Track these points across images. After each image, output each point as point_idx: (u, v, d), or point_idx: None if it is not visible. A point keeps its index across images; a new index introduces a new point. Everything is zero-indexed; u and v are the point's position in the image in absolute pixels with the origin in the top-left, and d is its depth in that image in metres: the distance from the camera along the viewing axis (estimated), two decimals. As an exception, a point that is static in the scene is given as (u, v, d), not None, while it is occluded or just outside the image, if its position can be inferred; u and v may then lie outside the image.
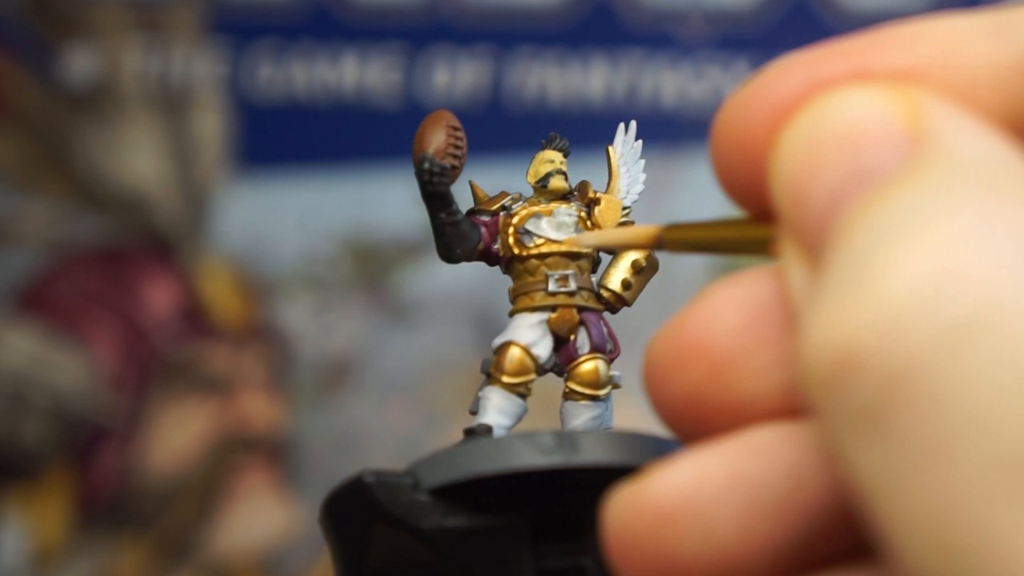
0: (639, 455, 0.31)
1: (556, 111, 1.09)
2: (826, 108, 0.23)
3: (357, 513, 0.32)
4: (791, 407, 0.24)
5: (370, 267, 1.10)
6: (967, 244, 0.21)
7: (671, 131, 1.05)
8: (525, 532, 0.32)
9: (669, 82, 1.10)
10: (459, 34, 1.12)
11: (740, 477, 0.23)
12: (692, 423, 0.26)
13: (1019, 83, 0.23)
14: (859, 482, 0.21)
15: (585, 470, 0.31)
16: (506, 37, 1.12)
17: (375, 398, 1.09)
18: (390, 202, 1.09)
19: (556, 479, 0.32)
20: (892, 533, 0.20)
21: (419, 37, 1.12)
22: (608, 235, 0.36)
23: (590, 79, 1.11)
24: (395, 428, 1.08)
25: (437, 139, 0.36)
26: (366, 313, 1.10)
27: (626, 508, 0.24)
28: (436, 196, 0.36)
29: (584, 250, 0.37)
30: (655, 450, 0.31)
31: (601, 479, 0.31)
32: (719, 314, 0.25)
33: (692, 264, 1.03)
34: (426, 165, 0.36)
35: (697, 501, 0.23)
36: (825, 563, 0.24)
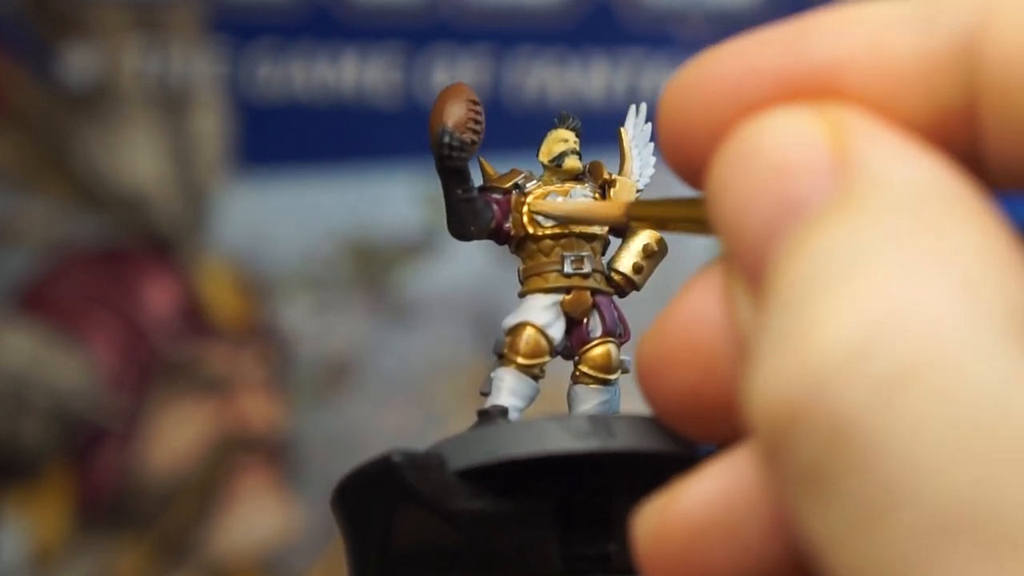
0: (672, 441, 0.30)
1: (556, 111, 1.08)
2: (752, 136, 0.23)
3: (383, 493, 0.31)
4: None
5: (370, 267, 1.10)
6: (896, 290, 0.20)
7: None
8: (551, 517, 0.32)
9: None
10: (459, 34, 1.12)
11: (764, 485, 0.23)
12: (693, 421, 0.25)
13: (945, 76, 0.23)
14: (808, 539, 0.20)
15: (613, 455, 0.31)
16: (506, 37, 1.11)
17: (375, 398, 1.09)
18: (390, 202, 1.09)
19: (584, 464, 0.31)
20: None
21: (419, 37, 1.12)
22: (579, 207, 0.36)
23: (590, 79, 1.11)
24: (395, 428, 1.08)
25: (457, 112, 0.35)
26: (366, 313, 1.10)
27: (655, 524, 0.24)
28: (453, 171, 0.35)
29: (600, 231, 0.36)
30: (685, 439, 0.31)
31: (629, 465, 0.31)
32: (702, 308, 0.24)
33: (693, 258, 1.02)
34: (445, 139, 0.35)
35: (726, 514, 0.23)
36: None
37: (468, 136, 0.35)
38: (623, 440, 0.31)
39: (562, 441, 0.31)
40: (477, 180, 0.37)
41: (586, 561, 0.32)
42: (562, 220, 0.36)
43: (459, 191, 0.35)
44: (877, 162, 0.22)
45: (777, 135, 0.23)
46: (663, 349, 0.25)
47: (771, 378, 0.21)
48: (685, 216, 0.27)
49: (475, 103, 0.35)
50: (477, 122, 0.35)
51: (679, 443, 0.30)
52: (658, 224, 0.29)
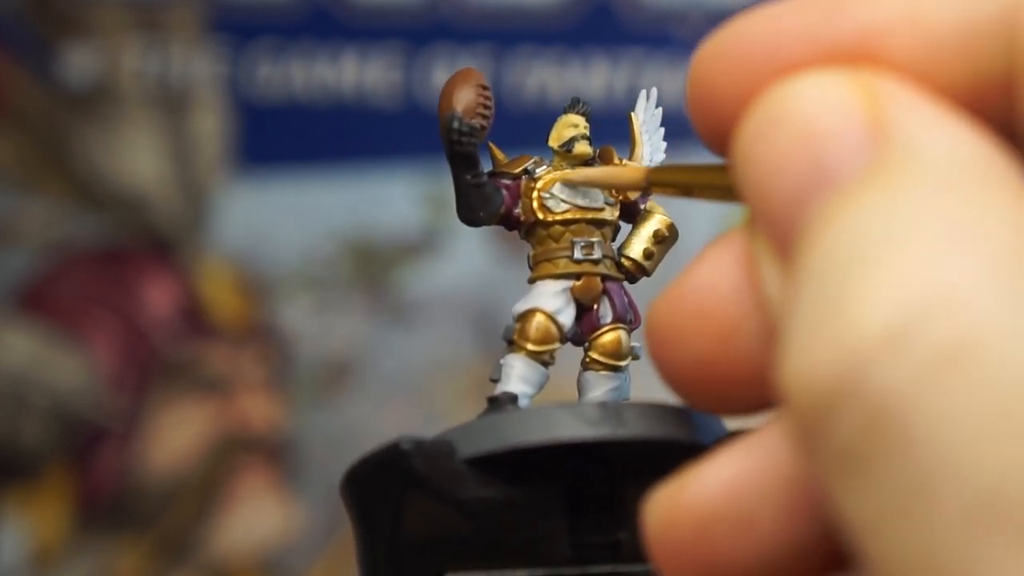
0: (682, 429, 0.30)
1: (556, 111, 1.09)
2: (783, 99, 0.22)
3: (391, 481, 0.31)
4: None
5: (370, 267, 1.10)
6: (937, 268, 0.20)
7: (671, 131, 1.05)
8: (561, 505, 0.32)
9: (669, 82, 1.10)
10: (459, 34, 1.12)
11: (778, 473, 0.23)
12: (703, 391, 0.25)
13: (985, 46, 0.22)
14: (846, 522, 0.20)
15: (623, 443, 0.31)
16: (506, 37, 1.11)
17: (375, 398, 1.09)
18: (390, 202, 1.09)
19: (593, 452, 0.31)
20: (881, 573, 0.20)
21: (419, 37, 1.12)
22: (597, 173, 0.35)
23: (590, 79, 1.11)
24: (395, 428, 1.08)
25: (466, 97, 0.35)
26: (366, 313, 1.10)
27: (666, 511, 0.23)
28: (463, 156, 0.35)
29: (610, 217, 0.36)
30: (697, 423, 0.31)
31: (639, 452, 0.31)
32: (717, 277, 0.24)
33: (696, 248, 1.03)
34: (455, 124, 0.35)
35: (738, 501, 0.23)
36: None
37: (478, 121, 0.35)
38: (633, 428, 0.31)
39: (573, 428, 0.31)
40: (487, 165, 0.37)
41: (595, 549, 0.32)
42: (581, 185, 0.35)
43: (468, 176, 0.35)
44: (914, 131, 0.21)
45: (810, 98, 0.22)
46: (676, 317, 0.25)
47: (807, 357, 0.20)
48: (709, 182, 0.27)
49: (485, 88, 0.35)
50: (486, 107, 0.35)
51: (689, 431, 0.30)
52: (681, 190, 0.29)
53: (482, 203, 0.36)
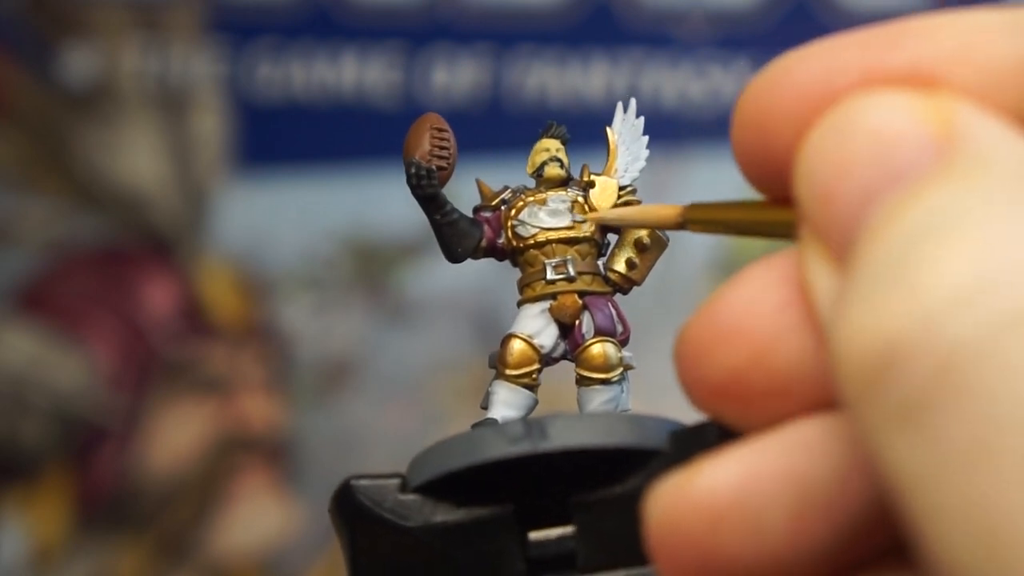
0: (612, 436, 0.31)
1: (556, 111, 1.09)
2: (855, 111, 0.23)
3: (345, 516, 0.33)
4: (833, 389, 0.24)
5: (370, 267, 1.10)
6: (1009, 243, 0.21)
7: (671, 131, 1.05)
8: (512, 521, 0.32)
9: (669, 82, 1.10)
10: (459, 34, 1.12)
11: (791, 475, 0.23)
12: (731, 407, 0.25)
13: None
14: (897, 479, 0.21)
15: (565, 454, 0.31)
16: (506, 37, 1.12)
17: (375, 398, 1.09)
18: (390, 202, 1.09)
19: (538, 466, 0.32)
20: (930, 529, 0.20)
21: (419, 37, 1.12)
22: (629, 212, 0.36)
23: (590, 79, 1.11)
24: (395, 428, 1.08)
25: (421, 143, 0.37)
26: (366, 313, 1.10)
27: (672, 504, 0.24)
28: (427, 199, 0.37)
29: (582, 234, 0.37)
30: (631, 430, 0.31)
31: (587, 462, 0.31)
32: (758, 295, 0.25)
33: (693, 257, 1.03)
34: (412, 170, 0.37)
35: (748, 499, 0.23)
36: (871, 560, 0.23)
37: (435, 163, 0.37)
38: (557, 440, 0.31)
39: (495, 448, 0.32)
40: (474, 201, 0.38)
41: (550, 562, 0.33)
42: (614, 224, 0.37)
43: (438, 216, 0.37)
44: (981, 138, 0.22)
45: (881, 108, 0.23)
46: (711, 331, 0.25)
47: (872, 317, 0.21)
48: (744, 219, 0.27)
49: (440, 131, 0.37)
50: (443, 147, 0.37)
51: (620, 436, 0.31)
52: (715, 227, 0.29)
53: (457, 239, 0.37)
